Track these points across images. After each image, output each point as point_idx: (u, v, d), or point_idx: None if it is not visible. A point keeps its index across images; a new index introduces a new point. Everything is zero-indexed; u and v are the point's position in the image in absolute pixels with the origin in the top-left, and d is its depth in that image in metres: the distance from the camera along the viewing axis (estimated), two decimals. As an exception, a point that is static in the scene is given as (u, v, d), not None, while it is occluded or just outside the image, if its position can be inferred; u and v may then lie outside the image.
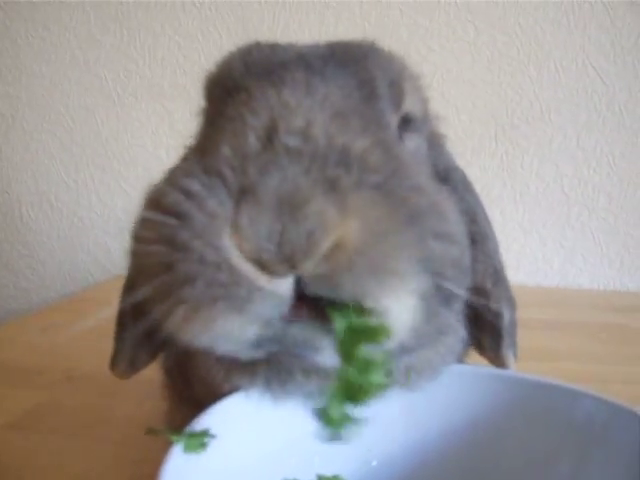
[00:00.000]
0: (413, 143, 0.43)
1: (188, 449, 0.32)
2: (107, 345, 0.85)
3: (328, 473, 0.39)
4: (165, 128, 1.47)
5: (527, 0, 1.29)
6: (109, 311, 1.10)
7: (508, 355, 0.45)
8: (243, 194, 0.28)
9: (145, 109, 1.48)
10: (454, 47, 1.33)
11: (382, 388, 0.33)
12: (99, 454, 0.56)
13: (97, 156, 1.52)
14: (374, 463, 0.43)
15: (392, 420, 0.43)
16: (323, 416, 0.35)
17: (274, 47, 0.40)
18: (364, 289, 0.29)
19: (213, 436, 0.34)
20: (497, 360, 0.46)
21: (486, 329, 0.45)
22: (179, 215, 0.30)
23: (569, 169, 1.33)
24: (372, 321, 0.30)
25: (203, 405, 0.36)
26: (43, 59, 1.51)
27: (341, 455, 0.42)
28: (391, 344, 0.32)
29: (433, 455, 0.43)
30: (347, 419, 0.34)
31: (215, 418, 0.36)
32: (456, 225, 0.36)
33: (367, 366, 0.31)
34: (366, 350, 0.30)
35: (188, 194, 0.30)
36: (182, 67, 1.45)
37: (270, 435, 0.39)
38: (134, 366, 0.45)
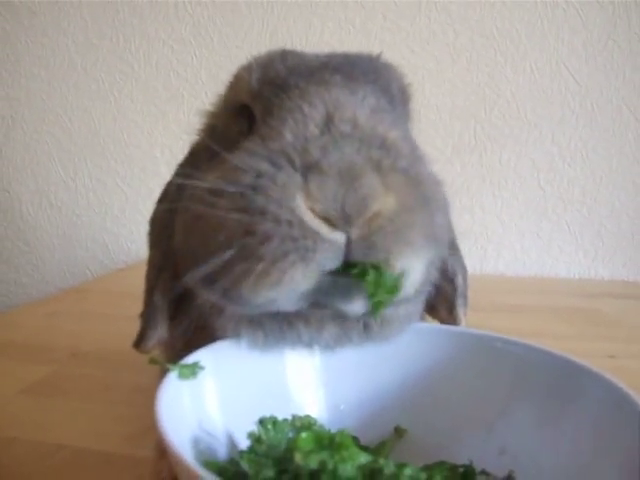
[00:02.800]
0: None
1: (182, 376, 0.39)
2: (108, 327, 0.92)
3: (301, 414, 0.45)
4: (160, 128, 1.53)
5: (504, 4, 1.35)
6: (108, 298, 1.16)
7: (460, 312, 0.52)
8: (309, 168, 0.35)
9: (140, 110, 1.54)
10: (434, 49, 1.39)
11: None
12: (106, 413, 0.62)
13: (95, 156, 1.58)
14: (342, 407, 0.49)
15: (359, 369, 0.49)
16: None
17: (302, 55, 0.46)
18: (390, 250, 0.36)
19: (203, 367, 0.40)
20: (450, 318, 0.52)
21: (442, 291, 0.51)
22: (253, 187, 0.35)
23: (545, 164, 1.39)
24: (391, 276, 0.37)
25: None
26: (42, 63, 1.57)
27: (313, 399, 0.49)
28: (404, 295, 0.39)
29: (393, 401, 0.49)
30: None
31: (206, 355, 0.42)
32: (447, 205, 0.45)
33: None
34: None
35: (259, 172, 0.36)
36: (176, 70, 1.51)
37: (254, 377, 0.45)
38: (160, 341, 0.50)
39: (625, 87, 1.33)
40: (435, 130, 1.41)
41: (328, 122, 0.36)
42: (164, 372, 0.40)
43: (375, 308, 0.38)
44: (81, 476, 0.50)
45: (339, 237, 0.35)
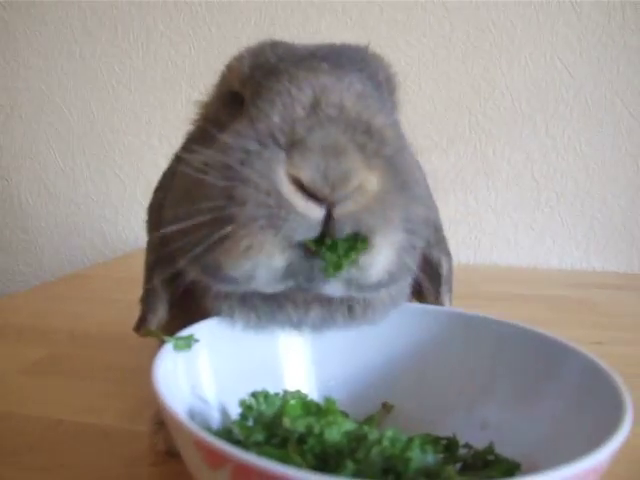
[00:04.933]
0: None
1: (177, 347, 0.41)
2: (107, 311, 0.93)
3: (293, 389, 0.47)
4: (157, 118, 1.54)
5: (500, -2, 1.36)
6: (106, 284, 1.18)
7: (445, 299, 0.54)
8: (293, 145, 0.36)
9: (138, 100, 1.55)
10: (430, 42, 1.40)
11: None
12: (105, 391, 0.64)
13: (93, 145, 1.59)
14: (331, 383, 0.51)
15: (347, 347, 0.51)
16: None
17: (291, 45, 0.48)
18: (369, 226, 0.37)
19: (197, 340, 0.42)
20: (436, 303, 0.54)
21: (427, 277, 0.53)
22: (241, 162, 0.37)
23: (538, 156, 1.40)
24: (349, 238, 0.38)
25: None
26: (41, 53, 1.57)
27: (304, 376, 0.50)
28: (373, 278, 0.40)
29: (381, 377, 0.51)
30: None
31: (201, 329, 0.44)
32: (430, 197, 0.47)
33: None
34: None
35: (246, 150, 0.37)
36: (173, 60, 1.52)
37: (246, 353, 0.47)
38: (159, 324, 0.51)
39: (619, 81, 1.34)
40: (430, 121, 1.42)
41: (315, 105, 0.38)
42: (160, 346, 0.42)
43: (333, 268, 0.38)
44: (80, 449, 0.52)
45: (316, 212, 0.36)
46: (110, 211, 1.60)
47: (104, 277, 1.24)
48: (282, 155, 0.36)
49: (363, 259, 0.38)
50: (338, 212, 0.36)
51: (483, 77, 1.40)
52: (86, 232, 1.62)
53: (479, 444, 0.44)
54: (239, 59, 0.47)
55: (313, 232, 0.37)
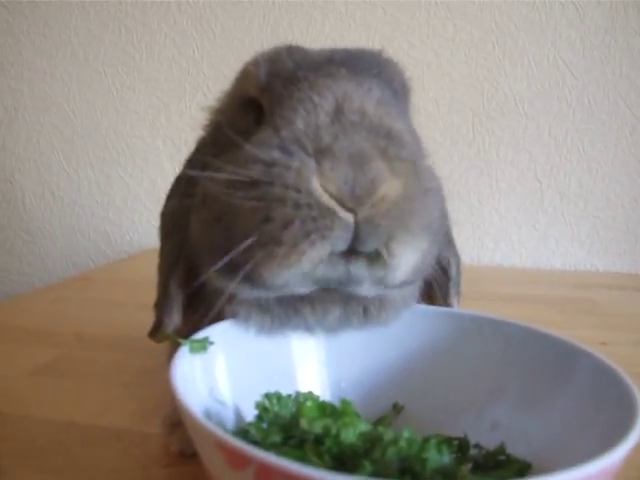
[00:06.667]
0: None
1: (193, 350, 0.41)
2: (113, 314, 0.94)
3: (305, 390, 0.48)
4: (161, 120, 1.54)
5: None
6: (111, 286, 1.19)
7: (454, 300, 0.54)
8: (321, 152, 0.37)
9: (142, 102, 1.55)
10: (434, 43, 1.41)
11: None
12: (114, 393, 0.64)
13: (97, 147, 1.59)
14: (342, 385, 0.51)
15: (359, 349, 0.51)
16: None
17: (307, 50, 0.48)
18: (392, 233, 0.38)
19: (212, 342, 0.42)
20: (445, 304, 0.54)
21: (436, 280, 0.53)
22: (269, 176, 0.37)
23: (542, 157, 1.40)
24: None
25: None
26: (44, 55, 1.58)
27: (316, 377, 0.51)
28: (398, 279, 0.41)
29: (392, 379, 0.51)
30: None
31: (216, 332, 0.44)
32: (444, 199, 0.47)
33: None
34: None
35: (272, 161, 0.37)
36: (177, 62, 1.52)
37: (260, 355, 0.47)
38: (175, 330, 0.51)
39: (622, 81, 1.35)
40: (434, 123, 1.42)
41: (338, 112, 0.38)
42: (175, 350, 0.42)
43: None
44: (93, 451, 0.52)
45: (349, 217, 0.37)
46: (114, 213, 1.61)
47: (108, 279, 1.24)
48: (312, 163, 0.37)
49: (390, 262, 0.39)
50: (364, 219, 0.37)
51: (486, 78, 1.40)
52: (90, 234, 1.63)
53: (489, 445, 0.44)
54: (255, 65, 0.46)
55: (349, 238, 0.37)
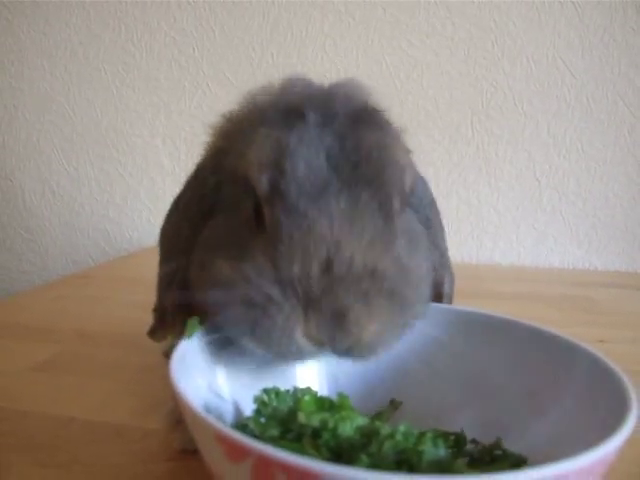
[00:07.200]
0: (406, 216, 0.51)
1: (190, 332, 0.43)
2: (113, 311, 0.94)
3: (304, 386, 0.48)
4: (161, 118, 1.54)
5: (502, -2, 1.37)
6: (111, 284, 1.19)
7: None
8: (310, 305, 0.40)
9: (142, 101, 1.56)
10: (433, 42, 1.41)
11: None
12: (115, 389, 0.65)
13: (97, 145, 1.60)
14: (340, 381, 0.51)
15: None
16: None
17: (309, 157, 0.45)
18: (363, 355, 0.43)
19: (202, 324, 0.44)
20: None
21: (431, 297, 0.54)
22: (263, 307, 0.41)
23: (540, 156, 1.41)
24: None
25: None
26: (44, 53, 1.58)
27: (315, 371, 0.51)
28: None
29: (389, 375, 0.52)
30: None
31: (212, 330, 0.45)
32: (428, 292, 0.49)
33: None
34: None
35: (270, 296, 0.41)
36: (177, 61, 1.53)
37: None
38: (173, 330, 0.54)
39: (620, 81, 1.35)
40: (433, 122, 1.43)
41: (329, 264, 0.41)
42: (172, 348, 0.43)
43: None
44: (94, 446, 0.52)
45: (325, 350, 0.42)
46: (114, 211, 1.61)
47: (108, 277, 1.25)
48: (300, 313, 0.40)
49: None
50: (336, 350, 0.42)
51: (485, 77, 1.40)
52: (90, 232, 1.63)
53: (486, 441, 0.45)
54: (258, 169, 0.44)
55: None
